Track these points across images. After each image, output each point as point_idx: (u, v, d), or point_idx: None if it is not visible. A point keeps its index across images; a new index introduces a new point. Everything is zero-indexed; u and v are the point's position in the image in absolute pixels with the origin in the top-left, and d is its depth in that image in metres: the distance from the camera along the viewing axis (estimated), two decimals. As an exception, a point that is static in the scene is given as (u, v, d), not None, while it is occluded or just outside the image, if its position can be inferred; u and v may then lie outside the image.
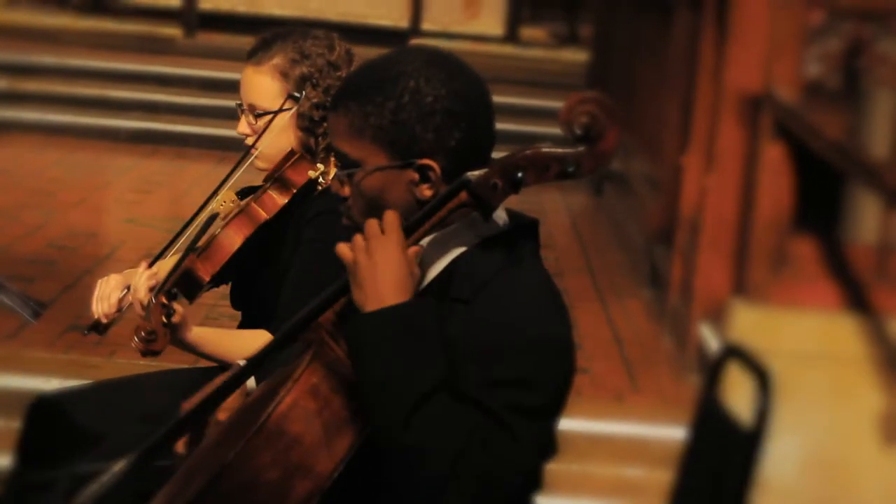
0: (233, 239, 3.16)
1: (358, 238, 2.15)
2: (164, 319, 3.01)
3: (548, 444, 2.19)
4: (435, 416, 2.07)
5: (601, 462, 4.89)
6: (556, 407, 2.18)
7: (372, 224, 2.15)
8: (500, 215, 2.25)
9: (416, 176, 2.19)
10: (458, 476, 2.07)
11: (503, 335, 2.12)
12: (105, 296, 3.20)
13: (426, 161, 2.18)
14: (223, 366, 3.22)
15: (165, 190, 8.39)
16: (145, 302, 3.04)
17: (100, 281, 3.24)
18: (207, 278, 3.15)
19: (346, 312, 2.20)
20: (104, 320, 3.22)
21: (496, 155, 2.21)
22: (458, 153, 2.18)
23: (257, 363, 2.22)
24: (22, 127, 9.35)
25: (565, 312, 2.22)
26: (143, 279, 3.09)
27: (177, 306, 3.04)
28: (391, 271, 2.13)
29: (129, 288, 3.18)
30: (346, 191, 2.24)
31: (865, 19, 5.44)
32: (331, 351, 2.16)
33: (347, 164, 2.22)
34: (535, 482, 2.23)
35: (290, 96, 3.21)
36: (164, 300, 3.02)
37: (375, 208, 2.19)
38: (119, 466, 2.20)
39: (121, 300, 3.19)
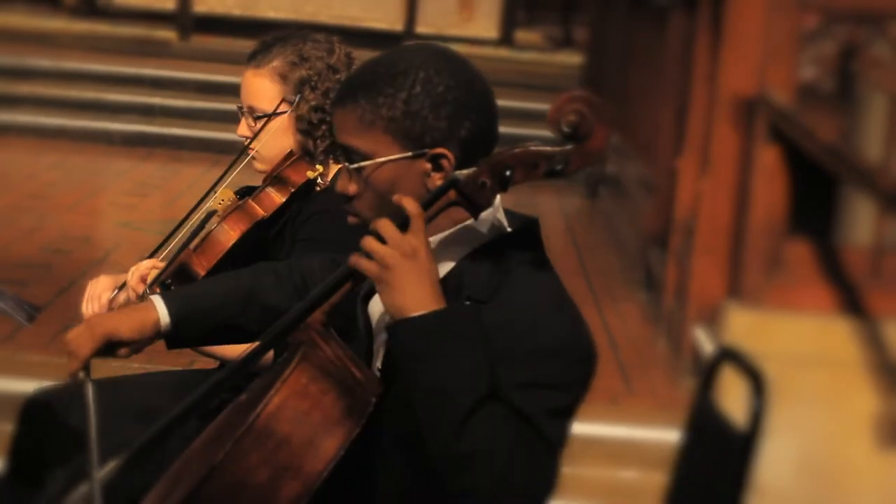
0: (228, 234, 3.16)
1: (374, 242, 2.07)
2: None
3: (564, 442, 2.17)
4: (487, 423, 2.03)
5: (596, 465, 4.89)
6: (578, 405, 2.16)
7: (388, 225, 2.07)
8: (500, 218, 2.23)
9: (429, 166, 2.16)
10: (505, 484, 2.03)
11: (533, 338, 2.10)
12: (95, 296, 3.21)
13: (439, 150, 2.15)
14: (220, 367, 3.22)
15: (160, 193, 8.38)
16: (139, 291, 3.07)
17: (90, 282, 3.26)
18: (203, 272, 3.14)
19: (335, 313, 2.18)
20: None
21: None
22: (468, 143, 2.16)
23: (247, 362, 2.21)
24: (16, 130, 9.34)
25: (579, 312, 2.21)
26: (141, 267, 3.12)
27: None
28: (430, 273, 2.08)
29: (119, 289, 3.19)
30: (353, 188, 2.19)
31: (859, 22, 5.45)
32: (320, 351, 2.15)
33: (356, 159, 2.18)
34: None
35: (285, 99, 3.21)
36: (157, 290, 3.04)
37: (386, 203, 2.15)
38: (110, 467, 2.20)
39: (111, 301, 3.20)
